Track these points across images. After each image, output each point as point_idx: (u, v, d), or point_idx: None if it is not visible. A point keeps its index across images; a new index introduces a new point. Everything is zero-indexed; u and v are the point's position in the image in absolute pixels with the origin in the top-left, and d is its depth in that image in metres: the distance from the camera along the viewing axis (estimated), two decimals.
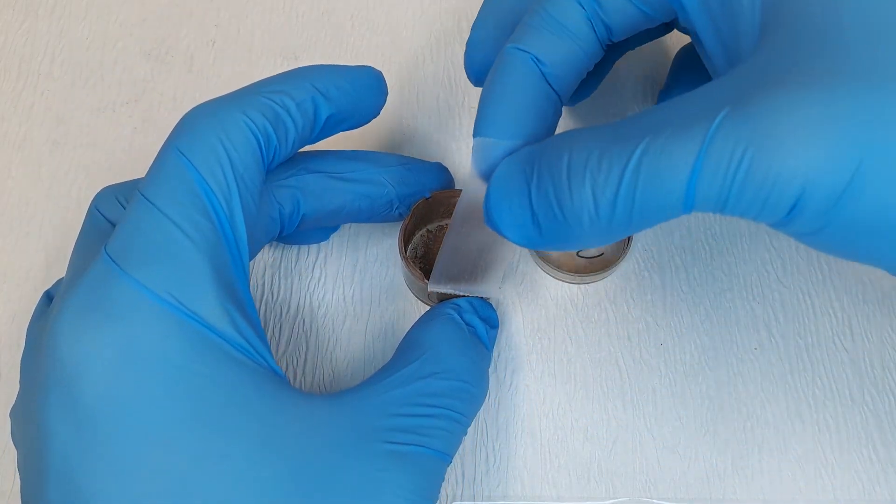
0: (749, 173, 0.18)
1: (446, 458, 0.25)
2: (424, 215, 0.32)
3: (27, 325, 0.27)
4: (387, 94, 0.29)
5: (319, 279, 0.32)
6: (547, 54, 0.25)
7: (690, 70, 0.32)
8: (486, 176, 0.25)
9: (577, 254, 0.32)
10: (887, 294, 0.32)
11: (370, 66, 0.29)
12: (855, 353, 0.31)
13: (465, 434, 0.26)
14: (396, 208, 0.30)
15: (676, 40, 0.36)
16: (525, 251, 0.32)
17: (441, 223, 0.32)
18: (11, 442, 0.25)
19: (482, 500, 0.28)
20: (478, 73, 0.29)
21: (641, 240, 0.33)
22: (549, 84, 0.25)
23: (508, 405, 0.30)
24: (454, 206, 0.31)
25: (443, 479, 0.25)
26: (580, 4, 0.25)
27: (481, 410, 0.30)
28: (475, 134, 0.25)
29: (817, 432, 0.29)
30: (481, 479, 0.29)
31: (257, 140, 0.24)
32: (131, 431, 0.21)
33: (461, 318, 0.28)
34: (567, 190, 0.21)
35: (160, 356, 0.21)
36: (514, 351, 0.31)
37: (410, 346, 0.27)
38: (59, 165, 0.35)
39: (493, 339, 0.29)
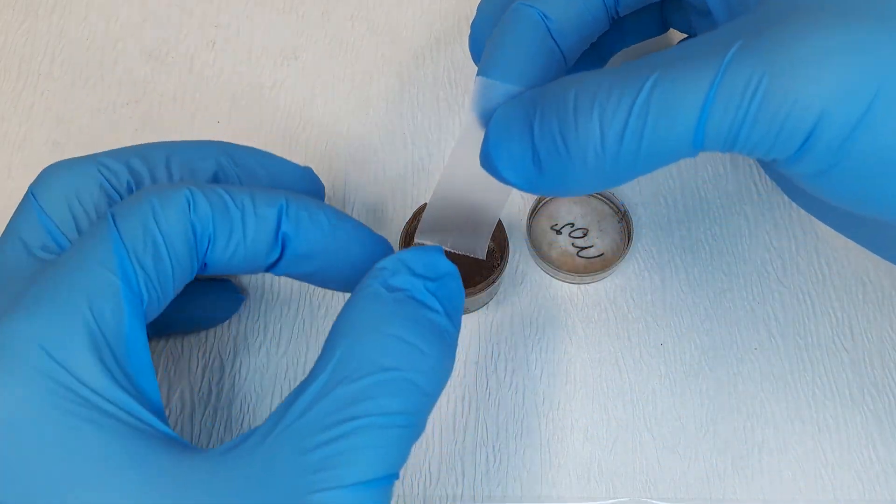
0: (763, 102, 0.18)
1: (385, 480, 0.20)
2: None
3: None
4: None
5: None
6: (554, 11, 0.25)
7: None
8: (486, 118, 0.24)
9: (577, 254, 0.32)
10: (887, 294, 0.32)
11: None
12: (855, 353, 0.31)
13: (420, 431, 0.21)
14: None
15: (672, 41, 0.36)
16: (525, 253, 0.32)
17: None
18: None
19: (482, 500, 0.28)
20: (482, 52, 0.28)
21: (641, 240, 0.33)
22: (555, 40, 0.25)
23: (508, 405, 0.30)
24: None
25: (389, 501, 0.21)
26: None
27: (481, 410, 0.30)
28: (478, 74, 0.25)
29: (817, 432, 0.29)
30: (481, 479, 0.29)
31: (194, 232, 0.22)
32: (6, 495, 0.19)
33: (386, 284, 0.22)
34: (573, 122, 0.20)
35: (31, 418, 0.19)
36: (514, 351, 0.31)
37: (327, 345, 0.22)
38: None
39: (445, 295, 0.23)
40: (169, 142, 0.26)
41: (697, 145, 0.19)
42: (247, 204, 0.23)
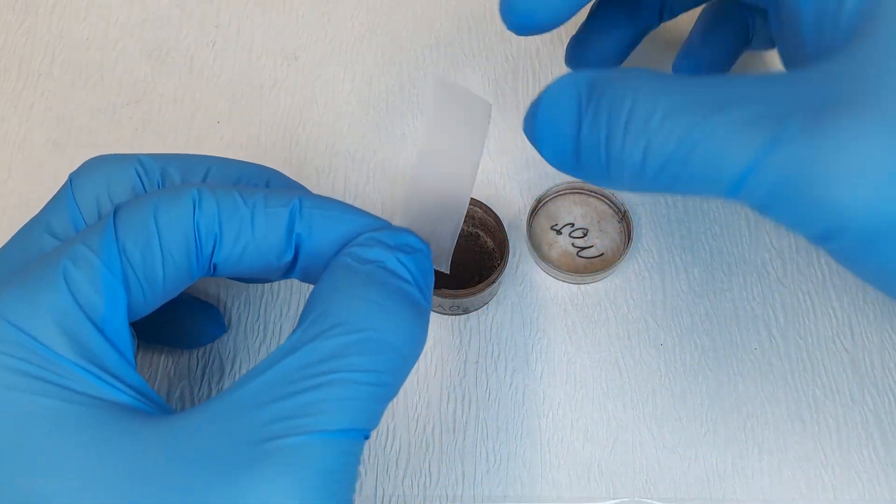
0: (797, 192, 0.18)
1: (355, 434, 0.20)
2: None
3: None
4: None
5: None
6: None
7: (717, 31, 0.31)
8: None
9: (577, 254, 0.32)
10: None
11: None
12: (855, 353, 0.31)
13: (391, 393, 0.21)
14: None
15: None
16: (525, 253, 0.32)
17: None
18: None
19: (482, 501, 0.28)
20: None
21: (641, 240, 0.33)
22: None
23: (508, 405, 0.30)
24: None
25: (356, 462, 0.20)
26: None
27: (481, 410, 0.30)
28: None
29: (817, 432, 0.29)
30: (481, 479, 0.29)
31: (196, 231, 0.22)
32: None
33: (357, 258, 0.22)
34: (621, 138, 0.20)
35: None
36: (514, 351, 0.31)
37: (301, 316, 0.22)
38: (60, 166, 0.35)
39: (418, 268, 0.23)
40: (214, 156, 0.26)
41: (731, 195, 0.19)
42: (258, 203, 0.22)
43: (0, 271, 0.22)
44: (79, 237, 0.21)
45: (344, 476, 0.19)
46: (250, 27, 0.39)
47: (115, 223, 0.21)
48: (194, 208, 0.22)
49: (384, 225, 0.24)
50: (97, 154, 0.36)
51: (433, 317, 0.31)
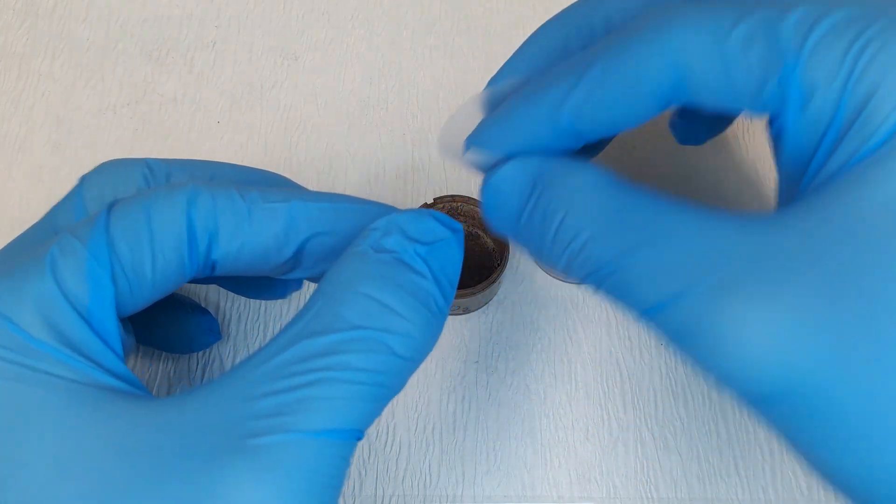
0: (692, 344, 0.18)
1: (343, 434, 0.19)
2: None
3: None
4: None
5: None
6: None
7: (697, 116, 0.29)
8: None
9: None
10: None
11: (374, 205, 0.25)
12: None
13: (390, 394, 0.20)
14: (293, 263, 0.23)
15: None
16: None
17: None
18: None
19: (482, 500, 0.28)
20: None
21: None
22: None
23: (508, 405, 0.30)
24: (455, 209, 0.31)
25: (345, 465, 0.19)
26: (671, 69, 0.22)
27: (481, 410, 0.30)
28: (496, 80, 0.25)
29: None
30: (481, 479, 0.29)
31: (191, 228, 0.22)
32: None
33: (375, 245, 0.21)
34: (549, 245, 0.21)
35: None
36: (514, 351, 0.31)
37: (308, 301, 0.21)
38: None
39: (437, 259, 0.21)
40: (221, 162, 0.26)
41: (644, 322, 0.20)
42: (255, 198, 0.22)
43: (1, 267, 0.22)
44: (70, 229, 0.21)
45: (329, 477, 0.19)
46: (250, 27, 0.39)
47: (108, 217, 0.21)
48: (188, 204, 0.21)
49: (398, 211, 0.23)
50: (97, 154, 0.36)
51: None
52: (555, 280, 0.32)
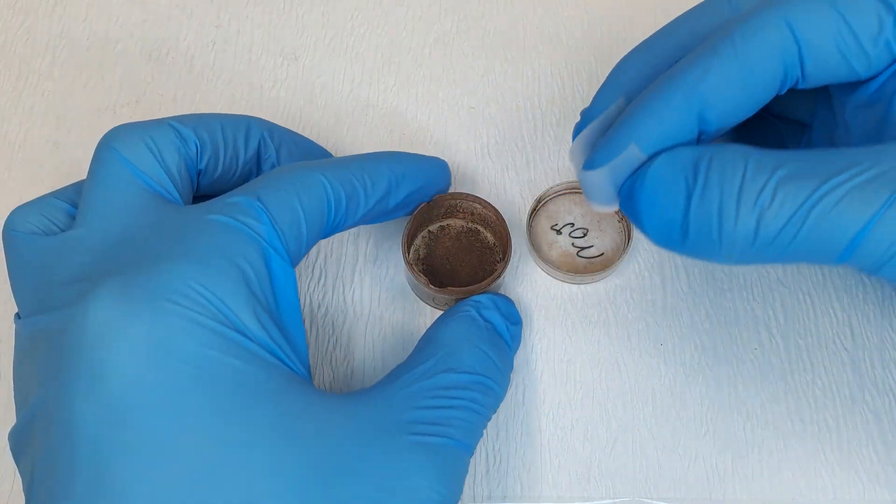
0: None
1: (469, 448, 0.25)
2: (426, 218, 0.32)
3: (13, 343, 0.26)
4: (450, 183, 0.32)
5: (319, 279, 0.32)
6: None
7: (750, 139, 0.28)
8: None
9: (577, 254, 0.32)
10: (887, 294, 0.32)
11: (439, 159, 0.32)
12: (855, 353, 0.31)
13: (486, 427, 0.27)
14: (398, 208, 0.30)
15: None
16: (525, 253, 0.32)
17: (442, 223, 0.32)
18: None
19: (482, 500, 0.28)
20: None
21: (642, 240, 0.33)
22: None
23: (508, 405, 0.30)
24: (454, 206, 0.31)
25: (466, 471, 0.25)
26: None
27: None
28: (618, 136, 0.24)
29: (817, 432, 0.29)
30: (481, 479, 0.29)
31: (328, 202, 0.26)
32: (159, 422, 0.21)
33: (480, 315, 0.28)
34: (734, 210, 0.20)
35: (188, 350, 0.22)
36: None
37: (428, 344, 0.27)
38: (60, 166, 0.35)
39: (515, 336, 0.30)
40: (218, 114, 0.29)
41: (843, 260, 0.20)
42: (364, 177, 0.27)
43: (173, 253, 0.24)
44: (233, 217, 0.24)
45: (461, 476, 0.25)
46: (250, 27, 0.39)
47: (264, 206, 0.25)
48: (325, 194, 0.26)
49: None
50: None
51: (436, 315, 0.31)
52: (555, 280, 0.32)
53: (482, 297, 0.29)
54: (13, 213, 0.27)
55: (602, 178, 0.24)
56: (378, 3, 0.40)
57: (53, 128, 0.36)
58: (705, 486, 0.28)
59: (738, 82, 0.22)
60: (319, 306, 0.32)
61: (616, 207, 0.24)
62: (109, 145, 0.26)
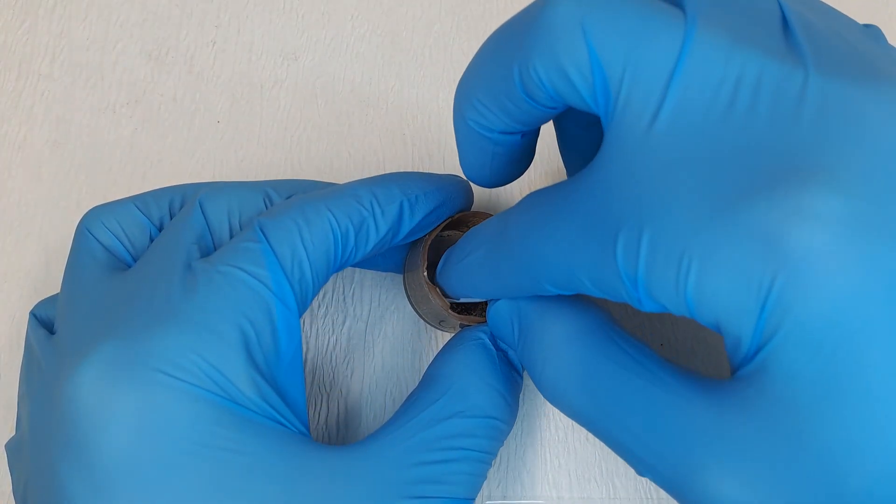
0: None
1: (469, 501, 0.24)
2: (446, 236, 0.30)
3: (23, 343, 0.26)
4: (471, 202, 0.30)
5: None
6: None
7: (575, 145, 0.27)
8: None
9: None
10: None
11: (457, 177, 0.29)
12: None
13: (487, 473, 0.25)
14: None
15: None
16: None
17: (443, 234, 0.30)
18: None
19: (482, 500, 0.28)
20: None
21: None
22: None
23: None
24: (473, 222, 0.29)
25: None
26: None
27: None
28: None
29: None
30: None
31: (335, 240, 0.25)
32: (147, 498, 0.20)
33: (493, 343, 0.26)
34: (539, 378, 0.23)
35: (179, 423, 0.21)
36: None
37: (435, 378, 0.26)
38: (60, 166, 0.35)
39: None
40: (311, 181, 0.29)
41: None
42: (374, 204, 0.25)
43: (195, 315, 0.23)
44: (237, 266, 0.23)
45: None
46: (250, 27, 0.39)
47: (272, 250, 0.23)
48: (331, 230, 0.25)
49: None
50: (97, 154, 0.36)
51: None
52: None
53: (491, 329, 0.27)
54: (92, 212, 0.26)
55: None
56: (378, 3, 0.40)
57: (53, 128, 0.36)
58: None
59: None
60: (319, 306, 0.32)
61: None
62: (257, 222, 0.25)
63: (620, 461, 0.29)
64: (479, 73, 0.22)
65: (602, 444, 0.29)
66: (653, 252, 0.17)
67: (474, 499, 0.24)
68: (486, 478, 0.25)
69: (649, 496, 0.28)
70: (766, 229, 0.16)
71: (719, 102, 0.17)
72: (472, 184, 0.29)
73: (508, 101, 0.21)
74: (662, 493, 0.28)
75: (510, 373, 0.26)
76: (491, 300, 0.26)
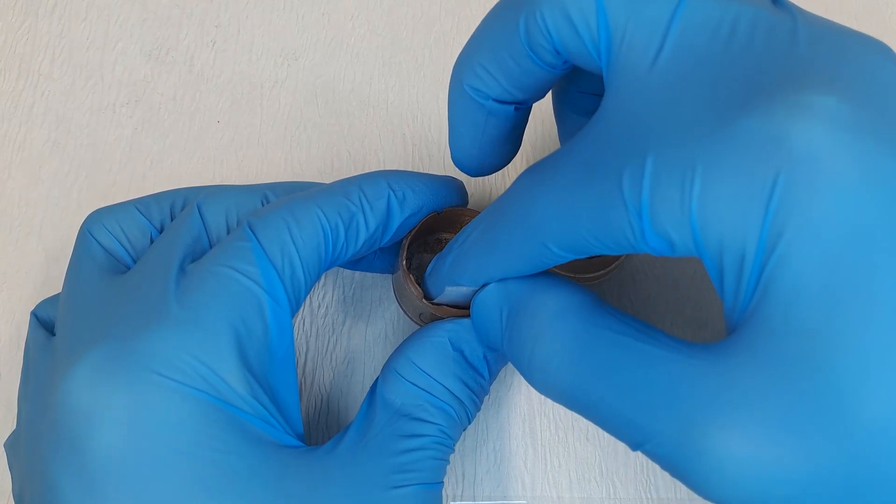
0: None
1: (441, 485, 0.25)
2: (431, 229, 0.30)
3: (24, 342, 0.26)
4: (466, 199, 0.30)
5: (319, 279, 0.32)
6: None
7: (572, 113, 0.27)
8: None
9: None
10: None
11: (450, 177, 0.29)
12: None
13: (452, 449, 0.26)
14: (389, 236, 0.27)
15: None
16: None
17: (443, 236, 0.31)
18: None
19: (482, 500, 0.28)
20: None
21: None
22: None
23: (508, 405, 0.30)
24: (463, 222, 0.29)
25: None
26: None
27: (481, 411, 0.30)
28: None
29: None
30: (481, 479, 0.29)
31: (325, 236, 0.25)
32: (138, 498, 0.21)
33: (450, 343, 0.26)
34: (527, 368, 0.22)
35: (171, 423, 0.21)
36: None
37: (392, 372, 0.26)
38: (60, 166, 0.35)
39: (497, 361, 0.27)
40: (308, 182, 0.29)
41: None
42: (362, 199, 0.26)
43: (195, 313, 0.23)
44: (228, 265, 0.23)
45: None
46: (250, 27, 0.39)
47: (262, 249, 0.24)
48: (320, 226, 0.25)
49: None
50: (97, 154, 0.36)
51: None
52: None
53: (463, 322, 0.27)
54: (94, 215, 0.27)
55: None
56: (379, 3, 0.40)
57: (53, 128, 0.36)
58: None
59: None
60: (319, 306, 0.32)
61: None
62: (246, 223, 0.25)
63: (620, 461, 0.29)
64: (483, 35, 0.22)
65: (602, 444, 0.29)
66: (657, 173, 0.17)
67: (441, 481, 0.25)
68: (448, 457, 0.26)
69: (649, 496, 0.28)
70: (767, 130, 0.16)
71: (718, 40, 0.18)
72: (465, 185, 0.30)
73: (510, 58, 0.21)
74: (663, 493, 0.28)
75: (467, 369, 0.26)
76: (476, 294, 0.25)
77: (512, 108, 0.23)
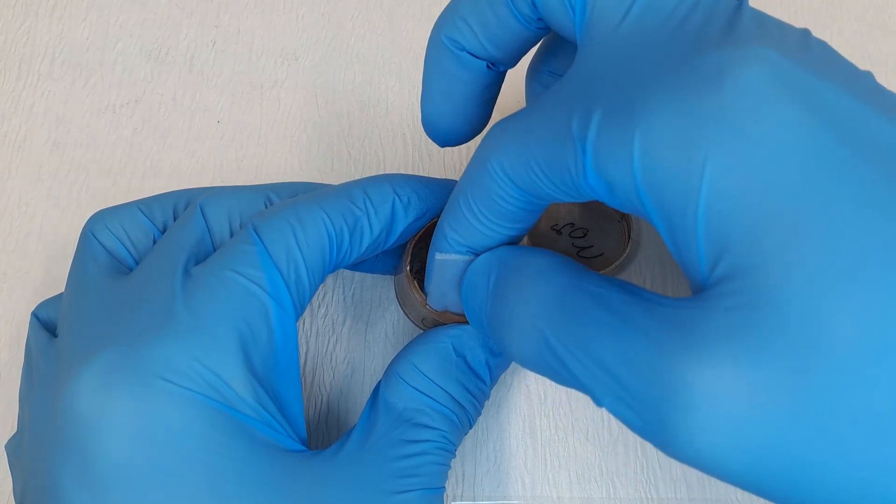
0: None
1: (443, 490, 0.25)
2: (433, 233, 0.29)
3: (24, 343, 0.26)
4: None
5: None
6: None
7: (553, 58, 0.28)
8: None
9: (577, 254, 0.32)
10: None
11: (454, 181, 0.29)
12: None
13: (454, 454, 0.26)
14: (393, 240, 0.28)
15: None
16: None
17: None
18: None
19: (482, 500, 0.28)
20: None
21: (641, 240, 0.33)
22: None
23: (508, 405, 0.30)
24: None
25: None
26: None
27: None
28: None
29: None
30: (481, 479, 0.29)
31: (329, 240, 0.25)
32: (144, 502, 0.21)
33: (453, 348, 0.27)
34: (507, 336, 0.22)
35: (177, 429, 0.21)
36: None
37: (395, 377, 0.26)
38: (60, 166, 0.35)
39: (498, 366, 0.27)
40: (312, 183, 0.29)
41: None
42: (367, 204, 0.26)
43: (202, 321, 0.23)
44: (233, 270, 0.23)
45: None
46: (250, 27, 0.39)
47: (268, 254, 0.24)
48: (325, 230, 0.25)
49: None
50: (97, 154, 0.36)
51: None
52: None
53: (466, 328, 0.27)
54: (96, 216, 0.27)
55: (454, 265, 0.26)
56: (379, 3, 0.40)
57: (53, 128, 0.36)
58: (705, 486, 0.28)
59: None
60: (319, 306, 0.32)
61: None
62: (252, 225, 0.25)
63: (620, 461, 0.29)
64: None
65: (602, 444, 0.29)
66: (605, 112, 0.18)
67: (444, 487, 0.25)
68: (450, 462, 0.26)
69: (649, 496, 0.28)
70: (709, 71, 0.17)
71: (678, 13, 0.19)
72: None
73: (488, 6, 0.22)
74: (663, 493, 0.28)
75: (469, 375, 0.27)
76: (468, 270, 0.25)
77: (485, 64, 0.24)
